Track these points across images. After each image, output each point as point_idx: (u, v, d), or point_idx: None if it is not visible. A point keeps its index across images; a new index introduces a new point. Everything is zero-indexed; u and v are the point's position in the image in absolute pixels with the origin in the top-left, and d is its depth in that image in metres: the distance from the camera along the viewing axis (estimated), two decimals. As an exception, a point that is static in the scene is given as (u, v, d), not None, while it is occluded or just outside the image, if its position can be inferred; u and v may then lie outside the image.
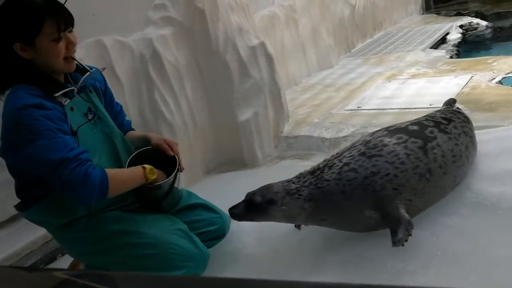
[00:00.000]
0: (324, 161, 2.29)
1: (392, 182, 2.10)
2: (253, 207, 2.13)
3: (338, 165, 2.17)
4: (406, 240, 2.02)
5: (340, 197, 2.10)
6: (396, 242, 2.02)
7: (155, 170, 2.10)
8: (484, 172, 2.45)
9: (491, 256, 1.97)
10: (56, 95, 1.94)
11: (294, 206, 2.12)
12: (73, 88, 2.03)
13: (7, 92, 1.93)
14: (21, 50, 1.88)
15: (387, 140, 2.22)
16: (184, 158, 2.39)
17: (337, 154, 2.29)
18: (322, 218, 2.18)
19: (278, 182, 2.21)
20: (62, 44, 1.91)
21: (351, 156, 2.18)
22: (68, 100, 2.00)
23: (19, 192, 2.07)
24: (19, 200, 2.11)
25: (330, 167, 2.18)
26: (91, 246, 2.15)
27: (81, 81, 2.05)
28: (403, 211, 2.10)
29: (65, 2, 1.96)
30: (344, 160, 2.18)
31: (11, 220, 3.05)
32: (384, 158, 2.14)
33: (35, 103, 1.82)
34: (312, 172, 2.22)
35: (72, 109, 2.01)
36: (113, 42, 3.25)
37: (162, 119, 3.46)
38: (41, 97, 1.86)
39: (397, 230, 2.04)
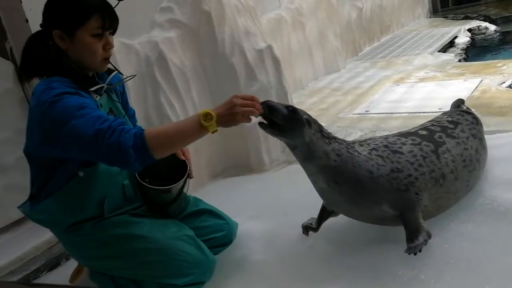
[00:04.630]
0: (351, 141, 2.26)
1: (414, 186, 2.07)
2: (292, 114, 1.99)
3: (367, 147, 2.13)
4: (420, 251, 1.98)
5: (366, 174, 2.04)
6: (412, 248, 1.98)
7: (213, 113, 1.74)
8: (497, 178, 2.40)
9: (506, 265, 1.90)
10: (92, 89, 1.93)
11: (320, 145, 2.04)
12: (103, 85, 2.02)
13: (36, 82, 1.89)
14: (59, 38, 1.87)
15: (403, 139, 2.21)
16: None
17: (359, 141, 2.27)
18: (336, 181, 2.07)
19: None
20: (100, 43, 1.90)
21: (376, 145, 2.16)
22: (99, 96, 2.00)
23: (35, 186, 2.02)
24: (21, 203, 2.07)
25: (361, 145, 2.15)
26: (97, 250, 2.11)
27: (108, 79, 2.04)
28: (422, 221, 2.06)
29: (116, 5, 1.96)
30: (372, 146, 2.15)
31: (15, 224, 3.03)
32: (405, 156, 2.11)
33: (71, 91, 1.80)
34: (344, 140, 2.17)
35: (101, 106, 1.99)
36: (119, 45, 3.23)
37: (168, 122, 3.42)
38: (76, 89, 1.84)
39: (415, 238, 2.01)
